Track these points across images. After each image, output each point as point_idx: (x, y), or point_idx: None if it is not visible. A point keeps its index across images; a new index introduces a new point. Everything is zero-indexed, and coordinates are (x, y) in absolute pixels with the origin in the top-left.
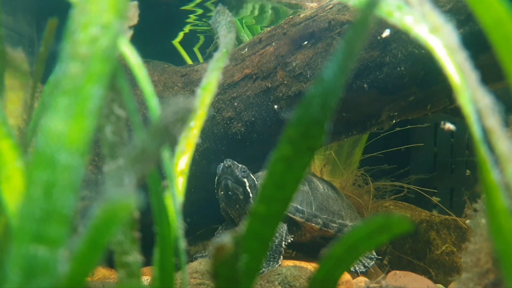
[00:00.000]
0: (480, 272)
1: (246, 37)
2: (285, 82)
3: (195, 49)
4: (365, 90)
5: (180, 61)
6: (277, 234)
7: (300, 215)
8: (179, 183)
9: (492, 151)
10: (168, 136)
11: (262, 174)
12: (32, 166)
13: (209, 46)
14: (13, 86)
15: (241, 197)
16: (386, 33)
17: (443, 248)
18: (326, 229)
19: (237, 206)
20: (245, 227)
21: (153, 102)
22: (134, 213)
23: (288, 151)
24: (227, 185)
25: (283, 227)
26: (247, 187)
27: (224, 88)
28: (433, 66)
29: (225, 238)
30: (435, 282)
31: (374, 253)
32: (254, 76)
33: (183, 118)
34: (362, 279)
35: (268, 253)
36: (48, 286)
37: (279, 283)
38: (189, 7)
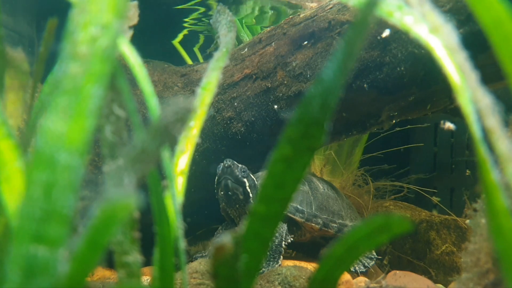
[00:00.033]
0: (480, 272)
1: (246, 37)
2: (285, 82)
3: (195, 49)
4: (365, 90)
5: (180, 61)
6: (277, 234)
7: (300, 215)
8: (179, 183)
9: (492, 151)
10: (167, 136)
11: (262, 174)
12: (32, 166)
13: (209, 46)
14: (13, 86)
15: (241, 197)
16: (386, 33)
17: (443, 248)
18: (326, 229)
19: (237, 206)
20: (245, 227)
21: (153, 102)
22: (134, 213)
23: (288, 151)
24: (227, 185)
25: (283, 227)
26: (247, 187)
27: (224, 88)
28: (433, 66)
29: (225, 238)
30: (435, 282)
31: (374, 253)
32: (254, 76)
33: (183, 118)
34: (362, 279)
35: (268, 253)
36: (48, 286)
37: (279, 283)
38: (189, 5)
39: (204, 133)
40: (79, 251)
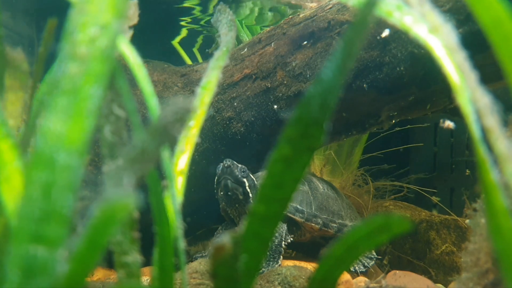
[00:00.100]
0: (479, 272)
1: (246, 37)
2: (285, 82)
3: (195, 50)
4: (364, 90)
5: (180, 61)
6: (276, 234)
7: (300, 215)
8: (179, 183)
9: (491, 151)
10: (167, 136)
11: (261, 174)
12: (31, 166)
13: (209, 46)
14: (13, 86)
15: (241, 197)
16: (386, 33)
17: (443, 248)
18: (326, 229)
19: (237, 206)
20: (245, 227)
21: (152, 102)
22: (133, 213)
23: (287, 151)
24: (226, 185)
25: (283, 227)
26: (247, 187)
27: (223, 88)
28: (432, 66)
29: (224, 238)
30: (435, 282)
31: (374, 253)
32: (253, 76)
33: (182, 118)
34: (362, 279)
35: (268, 253)
36: (47, 286)
37: (279, 283)
38: (189, 3)
39: (204, 133)
40: (78, 251)
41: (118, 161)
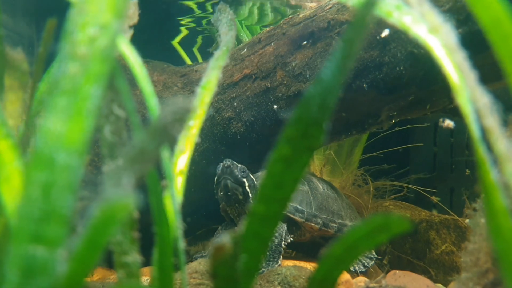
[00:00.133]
0: (479, 272)
1: (246, 37)
2: (285, 82)
3: (195, 50)
4: (364, 90)
5: (180, 61)
6: (276, 234)
7: (300, 215)
8: (178, 183)
9: (491, 151)
10: (166, 136)
11: (261, 174)
12: (31, 166)
13: (209, 46)
14: (13, 86)
15: (241, 197)
16: (385, 32)
17: (443, 247)
18: (325, 229)
19: (237, 205)
20: (244, 227)
21: (152, 102)
22: (133, 213)
23: (287, 151)
24: (226, 185)
25: (283, 227)
26: (247, 187)
27: (223, 88)
28: (432, 65)
29: (224, 238)
30: (435, 281)
31: (374, 253)
32: (253, 76)
33: (182, 118)
34: (361, 279)
35: (267, 253)
36: (46, 286)
37: (279, 283)
38: (189, 2)
39: (204, 133)
40: (78, 251)
41: (117, 161)
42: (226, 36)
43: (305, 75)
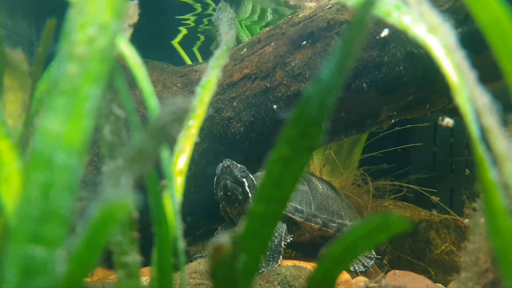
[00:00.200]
0: (479, 271)
1: (245, 37)
2: (284, 82)
3: (195, 50)
4: (364, 90)
5: (180, 61)
6: (276, 234)
7: (300, 214)
8: (178, 183)
9: (490, 150)
10: (166, 136)
11: (261, 174)
12: (30, 167)
13: (208, 46)
14: (12, 86)
15: (240, 197)
16: (385, 32)
17: (443, 247)
18: (325, 228)
19: (236, 205)
20: (244, 227)
21: (152, 102)
22: (133, 213)
23: (286, 151)
24: (226, 185)
25: (283, 227)
26: (246, 187)
27: (223, 88)
28: (432, 65)
29: (223, 238)
30: (435, 281)
31: (374, 253)
32: (253, 76)
33: (181, 117)
34: (361, 279)
35: (267, 253)
36: (46, 286)
37: (279, 283)
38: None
39: (203, 133)
40: (77, 251)
41: (117, 161)
42: (226, 35)
43: (304, 75)
